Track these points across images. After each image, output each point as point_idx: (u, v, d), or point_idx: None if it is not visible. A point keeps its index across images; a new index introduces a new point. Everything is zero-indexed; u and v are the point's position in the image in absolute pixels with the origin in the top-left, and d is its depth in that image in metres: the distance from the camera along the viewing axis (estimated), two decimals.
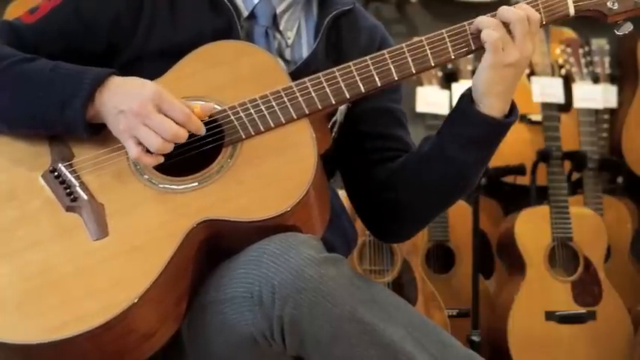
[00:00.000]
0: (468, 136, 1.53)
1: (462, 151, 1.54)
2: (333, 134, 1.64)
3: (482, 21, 1.49)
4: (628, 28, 1.56)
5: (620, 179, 3.59)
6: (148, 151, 1.40)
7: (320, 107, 1.48)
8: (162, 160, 1.41)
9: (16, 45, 1.53)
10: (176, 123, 1.39)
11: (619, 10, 1.54)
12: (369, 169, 1.66)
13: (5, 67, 1.48)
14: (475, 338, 2.86)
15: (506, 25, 1.48)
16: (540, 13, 1.51)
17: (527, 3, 1.52)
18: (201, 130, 1.42)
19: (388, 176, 1.63)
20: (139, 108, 1.39)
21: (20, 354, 1.31)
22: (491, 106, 1.51)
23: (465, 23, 1.52)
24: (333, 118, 1.63)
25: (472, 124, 1.52)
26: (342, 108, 1.65)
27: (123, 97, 1.41)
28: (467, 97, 1.54)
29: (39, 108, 1.45)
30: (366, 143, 1.67)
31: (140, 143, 1.40)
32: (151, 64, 1.53)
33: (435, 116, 3.32)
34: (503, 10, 1.49)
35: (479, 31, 1.50)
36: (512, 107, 1.54)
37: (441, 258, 3.35)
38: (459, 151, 1.54)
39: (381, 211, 1.66)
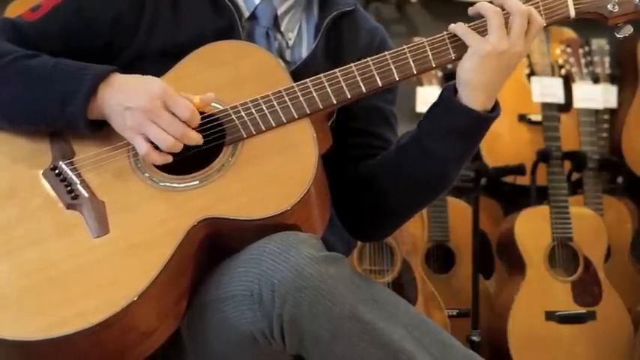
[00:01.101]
0: (446, 127, 1.52)
1: (441, 144, 1.52)
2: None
3: (483, 6, 1.49)
4: (628, 30, 1.57)
5: (620, 179, 3.60)
6: (154, 147, 1.40)
7: (321, 107, 1.49)
8: (170, 159, 1.41)
9: (17, 43, 1.53)
10: (180, 119, 1.40)
11: (619, 12, 1.55)
12: (347, 165, 1.64)
13: (7, 63, 1.48)
14: (475, 338, 2.87)
15: (506, 16, 1.48)
16: (541, 14, 1.51)
17: (528, 3, 1.52)
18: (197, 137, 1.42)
19: (366, 173, 1.62)
20: (147, 105, 1.39)
21: (20, 351, 1.31)
22: (473, 98, 1.50)
23: (465, 24, 1.52)
24: (333, 118, 1.63)
25: (451, 114, 1.51)
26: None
27: (128, 94, 1.41)
28: (449, 88, 1.53)
29: (40, 104, 1.45)
30: (349, 139, 1.66)
31: (148, 140, 1.40)
32: (152, 63, 1.54)
33: None
34: (507, 2, 1.49)
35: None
36: (496, 105, 1.53)
37: (441, 258, 3.35)
38: (438, 143, 1.52)
39: (357, 209, 1.64)
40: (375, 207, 1.63)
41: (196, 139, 1.41)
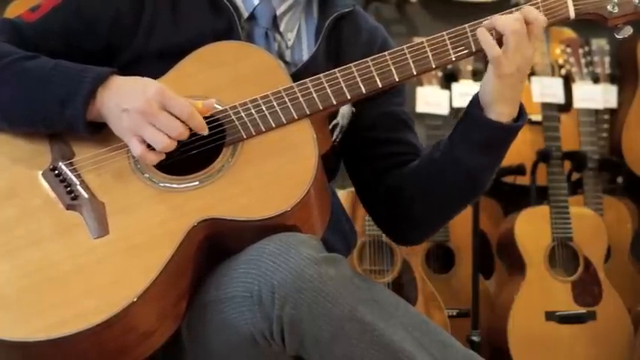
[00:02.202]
0: (478, 142, 1.54)
1: (473, 157, 1.55)
2: (335, 137, 1.65)
3: (482, 33, 1.49)
4: (628, 31, 1.57)
5: (620, 179, 3.60)
6: (149, 148, 1.40)
7: (321, 107, 1.49)
8: (164, 156, 1.41)
9: (17, 43, 1.53)
10: (179, 120, 1.40)
11: (619, 13, 1.55)
12: (381, 176, 1.67)
13: (6, 65, 1.48)
14: (475, 338, 2.86)
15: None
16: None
17: (528, 4, 1.52)
18: (204, 130, 1.42)
19: (400, 182, 1.64)
20: (143, 107, 1.39)
21: (19, 351, 1.31)
22: (501, 113, 1.52)
23: (465, 25, 1.52)
24: (335, 121, 1.64)
25: (482, 131, 1.53)
26: (346, 112, 1.65)
27: (125, 96, 1.41)
28: (476, 102, 1.55)
29: (39, 106, 1.45)
30: (376, 150, 1.68)
31: (143, 141, 1.40)
32: (152, 64, 1.54)
33: (435, 116, 3.33)
34: (496, 20, 1.49)
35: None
36: (521, 109, 1.55)
37: (441, 258, 3.35)
38: (470, 157, 1.55)
39: (396, 216, 1.67)
40: (412, 215, 1.65)
41: (187, 134, 1.41)
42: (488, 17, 1.51)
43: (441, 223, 1.72)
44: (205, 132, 1.43)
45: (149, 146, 1.41)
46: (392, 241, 1.77)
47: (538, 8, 1.51)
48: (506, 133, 1.54)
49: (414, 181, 1.62)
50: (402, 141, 1.70)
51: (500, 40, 1.48)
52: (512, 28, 1.47)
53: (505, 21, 1.48)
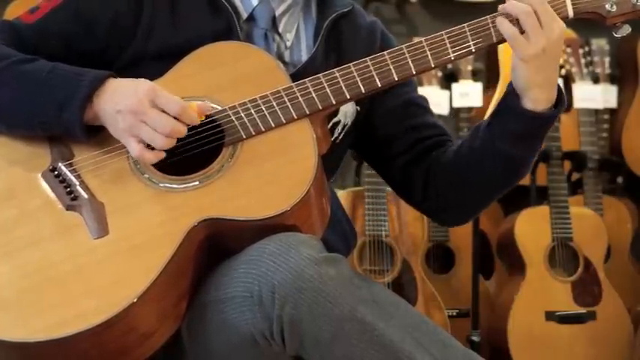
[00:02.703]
0: (515, 132, 1.54)
1: (513, 147, 1.55)
2: (337, 135, 1.65)
3: (513, 8, 1.49)
4: (626, 30, 1.57)
5: (620, 179, 3.59)
6: (148, 147, 1.40)
7: (320, 107, 1.49)
8: (163, 155, 1.41)
9: (16, 45, 1.53)
10: (172, 116, 1.40)
11: (617, 12, 1.55)
12: (415, 164, 1.68)
13: (3, 68, 1.48)
14: (475, 338, 2.87)
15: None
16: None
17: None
18: (195, 121, 1.42)
19: (436, 167, 1.65)
20: (134, 106, 1.39)
21: (19, 352, 1.31)
22: (537, 99, 1.51)
23: (464, 25, 1.52)
24: (335, 119, 1.64)
25: (519, 121, 1.53)
26: (349, 110, 1.65)
27: (119, 98, 1.41)
28: (512, 89, 1.53)
29: (37, 109, 1.45)
30: (403, 139, 1.69)
31: (141, 141, 1.40)
32: (151, 65, 1.54)
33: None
34: (507, 6, 1.49)
35: (479, 32, 1.51)
36: (560, 94, 1.55)
37: (441, 258, 3.35)
38: (510, 146, 1.55)
39: (438, 201, 1.68)
40: (451, 200, 1.66)
41: (184, 131, 1.41)
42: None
43: (480, 208, 1.74)
44: (197, 121, 1.43)
45: (148, 146, 1.41)
46: (439, 224, 1.80)
47: None
48: (543, 121, 1.53)
49: (453, 168, 1.63)
50: (427, 125, 1.71)
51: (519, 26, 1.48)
52: (524, 9, 1.46)
53: (515, 4, 1.47)
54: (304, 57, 1.65)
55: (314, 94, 1.48)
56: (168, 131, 1.39)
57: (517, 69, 1.50)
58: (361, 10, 1.75)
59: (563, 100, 1.55)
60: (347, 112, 1.65)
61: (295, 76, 1.53)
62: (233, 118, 1.46)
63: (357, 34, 1.69)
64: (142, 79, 1.44)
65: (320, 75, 1.49)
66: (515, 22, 1.48)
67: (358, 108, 1.66)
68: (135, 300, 1.30)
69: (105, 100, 1.43)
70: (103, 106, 1.43)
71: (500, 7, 1.50)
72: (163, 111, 1.40)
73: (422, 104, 1.74)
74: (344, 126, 1.66)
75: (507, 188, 1.67)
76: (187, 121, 1.41)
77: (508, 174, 1.62)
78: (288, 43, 1.65)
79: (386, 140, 1.70)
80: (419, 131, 1.69)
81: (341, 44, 1.67)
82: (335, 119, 1.64)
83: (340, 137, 1.66)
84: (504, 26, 1.48)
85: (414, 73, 1.52)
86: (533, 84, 1.50)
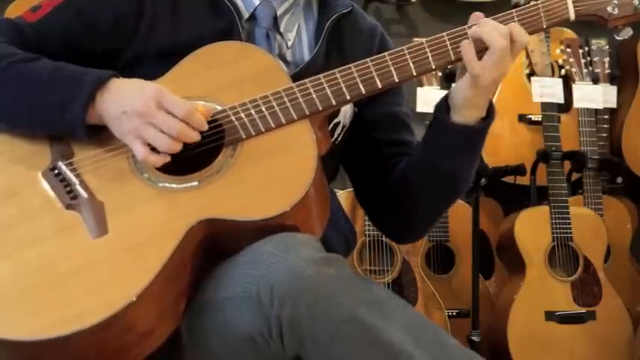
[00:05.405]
0: (450, 145, 1.56)
1: (448, 160, 1.58)
2: (337, 136, 1.65)
3: (467, 48, 1.49)
4: (628, 33, 1.57)
5: (620, 179, 3.59)
6: (153, 149, 1.40)
7: (320, 108, 1.49)
8: (168, 158, 1.41)
9: (18, 43, 1.53)
10: (179, 119, 1.40)
11: (619, 15, 1.55)
12: (382, 176, 1.69)
13: (6, 67, 1.48)
14: (475, 338, 2.87)
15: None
16: (541, 16, 1.51)
17: (528, 7, 1.52)
18: (204, 127, 1.42)
19: (397, 182, 1.66)
20: (141, 107, 1.39)
21: (18, 351, 1.31)
22: (470, 116, 1.54)
23: (465, 27, 1.52)
24: (336, 120, 1.64)
25: (451, 135, 1.55)
26: (348, 111, 1.65)
27: (124, 99, 1.41)
28: (443, 106, 1.56)
29: (39, 109, 1.45)
30: (380, 150, 1.70)
31: (146, 143, 1.40)
32: (152, 64, 1.54)
33: None
34: (484, 33, 1.48)
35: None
36: (490, 106, 1.56)
37: (441, 258, 3.35)
38: (445, 159, 1.58)
39: (393, 215, 1.69)
40: (406, 213, 1.67)
41: (193, 136, 1.41)
42: (474, 23, 1.51)
43: (431, 221, 1.74)
44: (205, 127, 1.43)
45: (153, 149, 1.41)
46: (389, 239, 1.81)
47: (538, 9, 1.52)
48: (477, 134, 1.56)
49: (406, 181, 1.64)
50: (404, 142, 1.72)
51: (482, 50, 1.48)
52: (500, 44, 1.47)
53: (493, 35, 1.47)
54: (306, 56, 1.65)
55: (314, 95, 1.48)
56: (174, 134, 1.39)
57: (463, 92, 1.52)
58: (362, 12, 1.76)
59: (492, 113, 1.56)
60: (346, 112, 1.65)
61: (297, 76, 1.53)
62: (233, 118, 1.46)
63: (358, 36, 1.70)
64: (148, 81, 1.44)
65: (320, 75, 1.50)
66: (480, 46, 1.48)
67: (356, 109, 1.66)
68: (134, 299, 1.30)
69: (108, 100, 1.43)
70: (106, 107, 1.42)
71: (477, 31, 1.48)
72: (170, 113, 1.40)
73: (404, 120, 1.75)
74: (343, 127, 1.66)
75: (450, 202, 1.68)
76: (194, 125, 1.41)
77: (444, 188, 1.63)
78: (290, 43, 1.65)
79: (362, 146, 1.71)
80: (394, 146, 1.71)
81: (342, 44, 1.67)
82: (336, 120, 1.64)
83: (340, 138, 1.66)
84: (471, 59, 1.48)
85: (415, 74, 1.52)
86: (473, 105, 1.53)
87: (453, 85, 1.56)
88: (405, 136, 1.73)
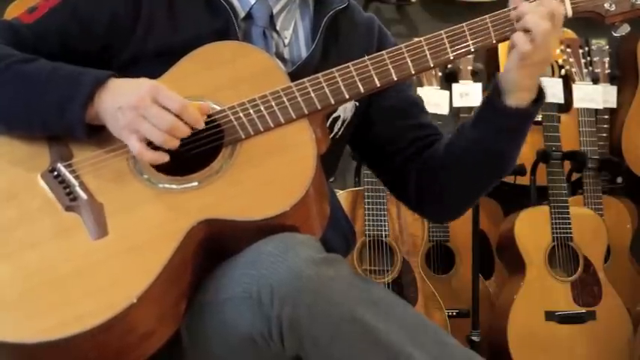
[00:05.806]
0: (501, 128, 1.58)
1: (500, 142, 1.60)
2: (337, 131, 1.65)
3: (518, 35, 1.50)
4: (625, 29, 1.58)
5: (620, 179, 3.59)
6: (151, 147, 1.40)
7: (319, 107, 1.49)
8: (167, 157, 1.41)
9: (14, 45, 1.53)
10: (174, 114, 1.39)
11: (616, 11, 1.55)
12: (409, 162, 1.70)
13: (4, 68, 1.48)
14: (475, 338, 2.87)
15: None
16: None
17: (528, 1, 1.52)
18: (200, 123, 1.42)
19: (430, 165, 1.68)
20: (135, 101, 1.39)
21: (19, 353, 1.31)
22: (522, 99, 1.56)
23: (463, 24, 1.52)
24: (334, 115, 1.64)
25: (504, 118, 1.57)
26: (348, 105, 1.65)
27: (121, 96, 1.41)
28: (496, 89, 1.57)
29: (37, 109, 1.45)
30: (401, 138, 1.71)
31: (142, 139, 1.40)
32: (149, 65, 1.54)
33: (435, 116, 3.32)
34: (526, 17, 1.49)
35: (478, 32, 1.51)
36: (540, 90, 1.58)
37: (441, 258, 3.35)
38: (497, 142, 1.60)
39: (429, 196, 1.70)
40: (444, 195, 1.70)
41: (186, 131, 1.41)
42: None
43: (470, 202, 1.76)
44: (201, 125, 1.43)
45: (149, 145, 1.41)
46: (430, 220, 1.83)
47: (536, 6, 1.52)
48: (526, 117, 1.59)
49: (443, 165, 1.66)
50: (424, 125, 1.74)
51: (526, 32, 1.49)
52: (544, 28, 1.48)
53: (535, 19, 1.48)
54: (303, 54, 1.65)
55: (313, 94, 1.48)
56: (167, 127, 1.39)
57: (512, 73, 1.53)
58: (357, 6, 1.76)
59: (543, 96, 1.58)
60: (346, 106, 1.65)
61: (295, 74, 1.53)
62: (232, 118, 1.46)
63: (355, 31, 1.70)
64: (143, 78, 1.44)
65: (319, 75, 1.49)
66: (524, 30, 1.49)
67: (357, 103, 1.66)
68: (135, 301, 1.30)
69: (106, 99, 1.43)
70: (104, 105, 1.43)
71: (516, 16, 1.50)
72: (165, 108, 1.40)
73: (419, 104, 1.77)
74: (343, 121, 1.66)
75: (493, 183, 1.70)
76: (189, 120, 1.41)
77: (493, 169, 1.65)
78: (287, 41, 1.65)
79: (383, 138, 1.72)
80: (416, 130, 1.72)
81: (339, 40, 1.67)
82: (335, 114, 1.64)
83: (340, 132, 1.66)
84: (522, 40, 1.49)
85: (413, 72, 1.52)
86: (524, 87, 1.55)
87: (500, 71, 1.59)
88: (426, 119, 1.76)
